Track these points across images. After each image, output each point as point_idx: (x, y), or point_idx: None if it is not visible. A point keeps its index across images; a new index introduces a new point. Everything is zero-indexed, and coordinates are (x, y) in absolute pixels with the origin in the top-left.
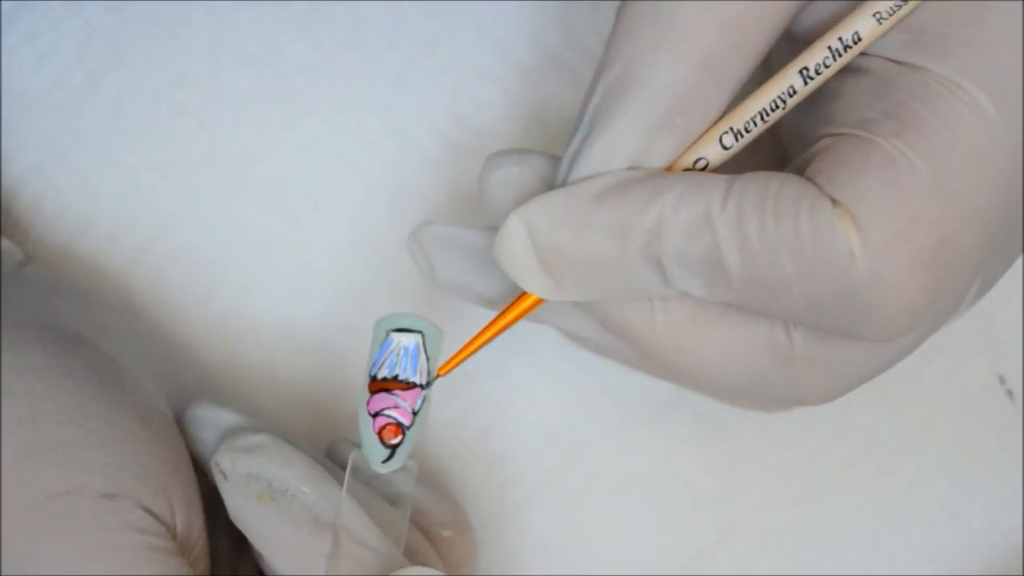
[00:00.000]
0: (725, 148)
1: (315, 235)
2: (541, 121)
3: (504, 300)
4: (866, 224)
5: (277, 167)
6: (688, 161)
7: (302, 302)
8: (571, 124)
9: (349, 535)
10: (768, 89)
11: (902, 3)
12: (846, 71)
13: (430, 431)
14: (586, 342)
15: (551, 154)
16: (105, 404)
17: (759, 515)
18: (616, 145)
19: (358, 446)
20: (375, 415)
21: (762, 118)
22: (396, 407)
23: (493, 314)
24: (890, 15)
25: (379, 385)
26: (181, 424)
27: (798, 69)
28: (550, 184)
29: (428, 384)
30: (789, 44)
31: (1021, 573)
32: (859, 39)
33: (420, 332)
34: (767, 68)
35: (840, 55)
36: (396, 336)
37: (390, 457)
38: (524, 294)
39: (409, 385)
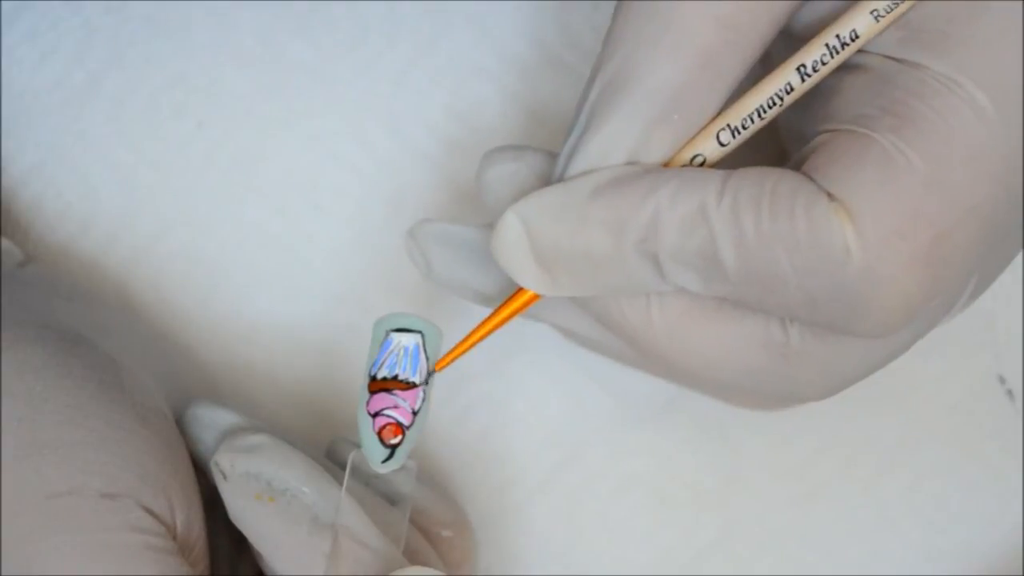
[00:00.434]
0: (722, 145)
1: (315, 234)
2: (540, 120)
3: (500, 296)
4: (862, 219)
5: (277, 167)
6: (685, 157)
7: (302, 301)
8: (570, 122)
9: (349, 535)
10: (765, 86)
11: (899, 1)
12: (843, 68)
13: (430, 431)
14: (582, 339)
15: (548, 150)
16: (105, 404)
17: (759, 515)
18: (613, 141)
19: (358, 446)
20: (375, 415)
21: (759, 115)
22: (396, 407)
23: (490, 312)
24: (887, 12)
25: (379, 385)
26: (181, 424)
27: (795, 66)
28: (547, 180)
29: (427, 382)
30: (787, 41)
31: (1021, 573)
32: (856, 36)
33: (420, 332)
34: (766, 65)
35: (837, 52)
36: (396, 336)
37: (390, 457)
38: (520, 290)
39: (409, 385)
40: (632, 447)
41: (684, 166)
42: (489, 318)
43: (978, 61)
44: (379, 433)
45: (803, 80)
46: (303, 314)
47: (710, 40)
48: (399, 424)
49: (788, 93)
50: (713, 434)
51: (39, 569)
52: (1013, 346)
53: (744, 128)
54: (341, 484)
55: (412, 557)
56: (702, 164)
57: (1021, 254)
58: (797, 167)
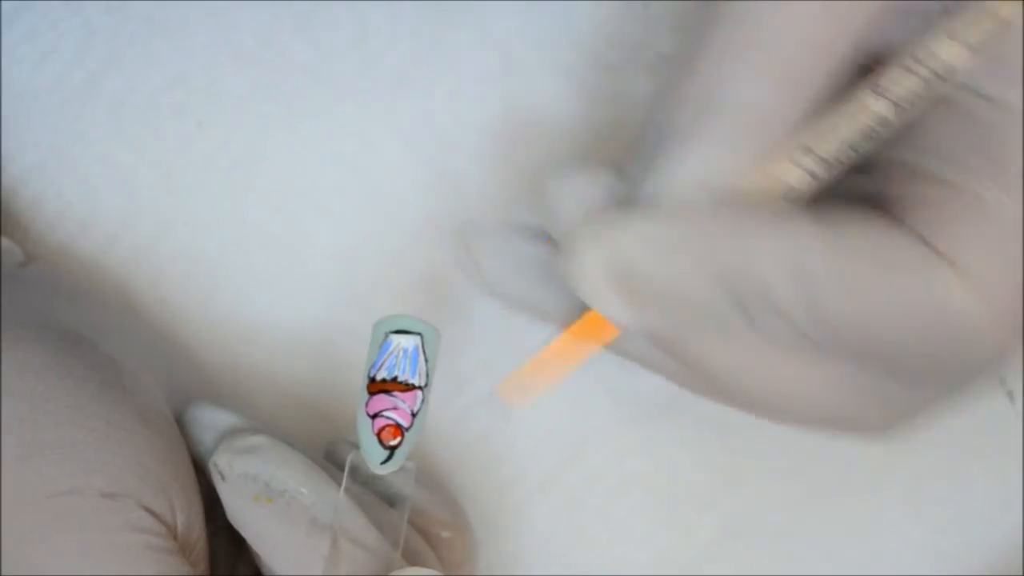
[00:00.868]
0: (813, 178)
1: (315, 235)
2: (541, 122)
3: (563, 316)
4: (969, 274)
5: (277, 167)
6: (776, 188)
7: (302, 302)
8: (573, 126)
9: (347, 536)
10: (850, 112)
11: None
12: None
13: (430, 431)
14: (632, 355)
15: (616, 167)
16: (106, 404)
17: (759, 515)
18: (705, 165)
19: (357, 447)
20: (374, 416)
21: (854, 150)
22: (395, 408)
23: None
24: (977, 41)
25: (378, 386)
26: (180, 425)
27: (870, 87)
28: (616, 199)
29: (427, 384)
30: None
31: (1021, 573)
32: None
33: (419, 334)
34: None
35: (920, 75)
36: (395, 338)
37: (389, 458)
38: (591, 314)
39: (408, 387)
40: (632, 447)
41: (778, 197)
42: (566, 352)
43: None
44: (378, 434)
45: (896, 108)
46: (303, 314)
47: (799, 60)
48: (398, 426)
49: (883, 126)
50: (713, 434)
51: (40, 568)
52: (1014, 349)
53: (840, 161)
54: (339, 485)
55: (411, 558)
56: (794, 197)
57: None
58: (887, 210)
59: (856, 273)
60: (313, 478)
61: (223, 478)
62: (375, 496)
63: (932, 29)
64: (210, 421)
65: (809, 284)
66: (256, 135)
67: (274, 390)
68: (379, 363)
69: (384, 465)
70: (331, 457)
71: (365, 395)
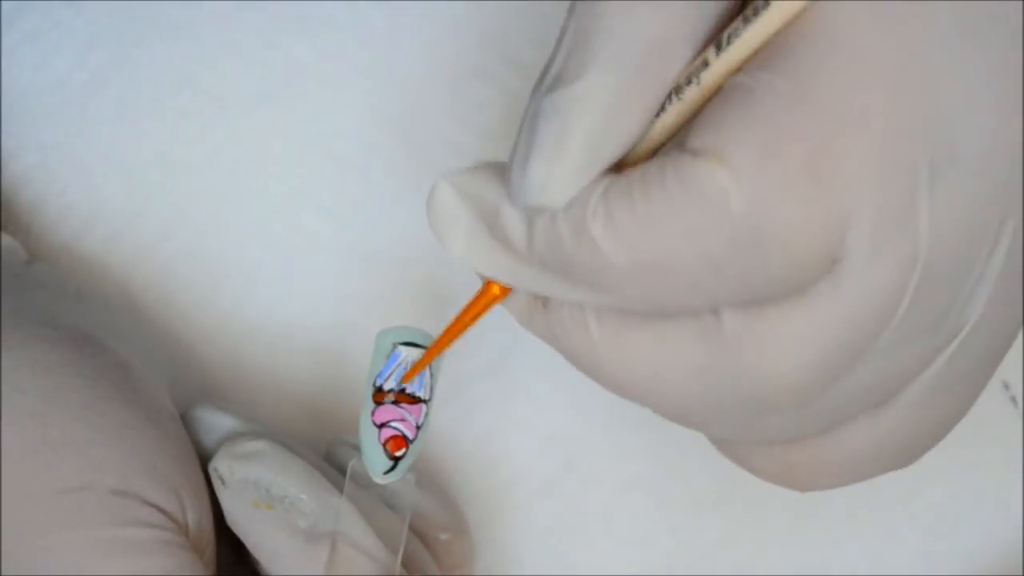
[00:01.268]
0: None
1: (317, 236)
2: None
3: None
4: (730, 157)
5: (280, 168)
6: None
7: (304, 302)
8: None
9: (347, 542)
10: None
11: None
12: None
13: (429, 432)
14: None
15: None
16: (117, 403)
17: (759, 518)
18: (586, 99)
19: (358, 450)
20: (381, 426)
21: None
22: (403, 420)
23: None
24: None
25: (383, 396)
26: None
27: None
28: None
29: (431, 398)
30: None
31: (1021, 574)
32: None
33: (426, 348)
34: None
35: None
36: (404, 349)
37: (392, 469)
38: (488, 284)
39: (415, 399)
40: (632, 449)
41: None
42: (456, 320)
43: None
44: (385, 444)
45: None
46: (305, 314)
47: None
48: (404, 437)
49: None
50: None
51: (49, 564)
52: (1016, 352)
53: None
54: (340, 490)
55: (408, 561)
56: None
57: (1022, 254)
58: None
59: (622, 205)
60: (314, 484)
61: (223, 483)
62: (375, 502)
63: None
64: (211, 424)
65: (587, 234)
66: (259, 136)
67: (276, 389)
68: (386, 373)
69: (387, 475)
70: (331, 459)
71: (371, 404)
